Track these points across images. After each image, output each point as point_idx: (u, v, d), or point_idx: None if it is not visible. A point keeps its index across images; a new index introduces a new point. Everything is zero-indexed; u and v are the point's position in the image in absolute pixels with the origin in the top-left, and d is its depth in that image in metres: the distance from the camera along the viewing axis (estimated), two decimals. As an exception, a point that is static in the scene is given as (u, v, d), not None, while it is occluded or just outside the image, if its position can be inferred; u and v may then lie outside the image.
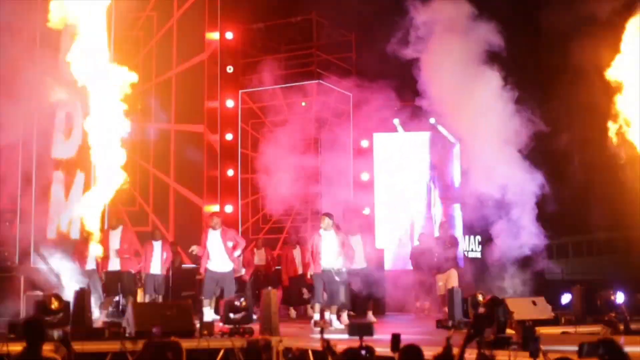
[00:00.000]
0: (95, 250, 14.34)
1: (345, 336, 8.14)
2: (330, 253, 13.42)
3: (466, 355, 6.34)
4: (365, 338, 6.96)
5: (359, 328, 8.22)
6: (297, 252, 16.83)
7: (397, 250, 19.57)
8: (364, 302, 15.11)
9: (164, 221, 18.75)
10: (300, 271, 16.50)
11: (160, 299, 15.53)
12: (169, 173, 19.10)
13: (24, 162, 16.99)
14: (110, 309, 15.52)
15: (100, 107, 12.59)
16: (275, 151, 18.35)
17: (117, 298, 15.53)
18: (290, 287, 16.82)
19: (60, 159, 17.52)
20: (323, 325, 8.40)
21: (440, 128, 19.80)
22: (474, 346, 6.64)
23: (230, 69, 19.98)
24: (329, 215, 13.81)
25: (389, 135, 20.20)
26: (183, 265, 17.71)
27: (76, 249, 15.87)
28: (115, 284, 14.46)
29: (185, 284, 17.34)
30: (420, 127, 19.85)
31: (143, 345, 7.44)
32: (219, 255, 13.83)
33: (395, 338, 6.73)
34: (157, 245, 15.71)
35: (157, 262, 15.59)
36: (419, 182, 19.90)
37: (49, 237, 17.19)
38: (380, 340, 7.38)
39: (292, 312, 16.95)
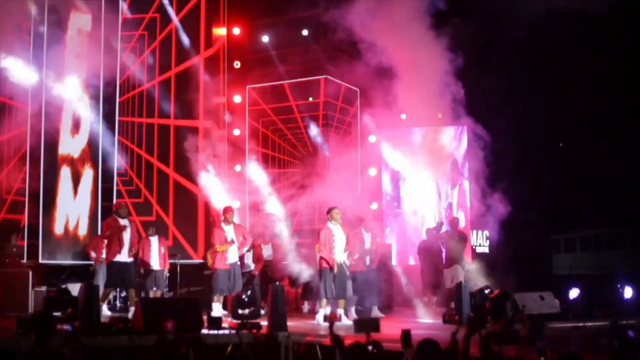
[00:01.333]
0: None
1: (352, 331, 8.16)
2: (340, 247, 13.47)
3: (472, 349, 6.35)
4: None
5: (365, 324, 8.23)
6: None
7: (406, 245, 19.60)
8: (372, 297, 15.13)
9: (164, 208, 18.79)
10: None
11: (158, 294, 15.45)
12: (169, 164, 18.98)
13: (32, 159, 17.07)
14: (119, 304, 15.57)
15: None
16: (283, 147, 18.38)
17: (124, 293, 15.55)
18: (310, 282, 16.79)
19: (68, 155, 17.56)
20: (332, 319, 8.42)
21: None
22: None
23: (237, 65, 19.97)
24: (336, 208, 13.85)
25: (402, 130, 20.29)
26: (187, 261, 17.79)
27: (92, 241, 15.93)
28: (121, 275, 14.23)
29: (192, 279, 17.38)
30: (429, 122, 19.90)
31: (155, 340, 7.44)
32: (230, 250, 13.93)
33: (406, 334, 6.73)
34: (154, 240, 15.67)
35: (155, 258, 15.55)
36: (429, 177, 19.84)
37: (57, 233, 17.25)
38: (387, 335, 7.38)
39: (305, 307, 16.90)
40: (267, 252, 16.90)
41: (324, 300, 13.38)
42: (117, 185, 18.16)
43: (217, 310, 13.54)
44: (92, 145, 17.76)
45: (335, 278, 13.37)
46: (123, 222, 14.28)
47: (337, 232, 13.53)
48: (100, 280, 14.91)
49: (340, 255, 13.42)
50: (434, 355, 6.18)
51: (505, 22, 16.29)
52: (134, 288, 14.31)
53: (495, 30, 17.03)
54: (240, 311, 11.28)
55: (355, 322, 10.24)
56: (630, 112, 21.19)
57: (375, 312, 14.79)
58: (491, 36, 17.54)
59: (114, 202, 17.25)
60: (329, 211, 13.78)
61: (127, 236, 14.20)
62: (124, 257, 14.13)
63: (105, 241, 14.44)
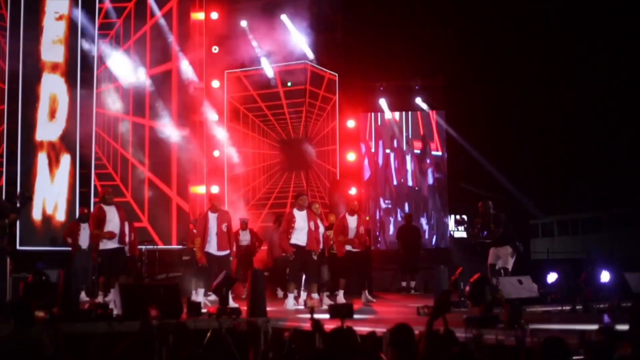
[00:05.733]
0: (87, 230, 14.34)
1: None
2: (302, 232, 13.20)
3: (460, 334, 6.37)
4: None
5: (339, 310, 8.22)
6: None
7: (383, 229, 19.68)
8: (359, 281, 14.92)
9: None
10: None
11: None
12: (144, 164, 18.79)
13: (9, 143, 16.98)
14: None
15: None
16: (261, 131, 18.37)
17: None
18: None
19: (45, 140, 17.45)
20: (314, 305, 8.42)
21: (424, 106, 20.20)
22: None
23: (215, 50, 19.84)
24: (304, 194, 13.72)
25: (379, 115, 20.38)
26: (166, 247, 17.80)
27: (68, 228, 15.79)
28: (114, 262, 13.81)
29: (171, 265, 17.31)
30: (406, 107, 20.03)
31: (140, 328, 7.39)
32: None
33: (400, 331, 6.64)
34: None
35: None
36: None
37: (34, 219, 17.15)
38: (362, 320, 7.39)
39: (280, 292, 16.82)
40: (244, 237, 16.84)
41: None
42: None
43: (196, 295, 13.53)
44: (69, 131, 17.65)
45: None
46: (108, 208, 13.62)
47: (300, 218, 13.21)
48: (78, 267, 14.76)
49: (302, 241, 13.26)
50: (407, 338, 6.16)
51: None
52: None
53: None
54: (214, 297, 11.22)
55: (330, 308, 10.25)
56: (608, 98, 21.31)
57: (366, 296, 14.43)
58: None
59: (91, 188, 17.25)
60: (299, 196, 13.53)
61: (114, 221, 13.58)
62: (111, 244, 13.21)
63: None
